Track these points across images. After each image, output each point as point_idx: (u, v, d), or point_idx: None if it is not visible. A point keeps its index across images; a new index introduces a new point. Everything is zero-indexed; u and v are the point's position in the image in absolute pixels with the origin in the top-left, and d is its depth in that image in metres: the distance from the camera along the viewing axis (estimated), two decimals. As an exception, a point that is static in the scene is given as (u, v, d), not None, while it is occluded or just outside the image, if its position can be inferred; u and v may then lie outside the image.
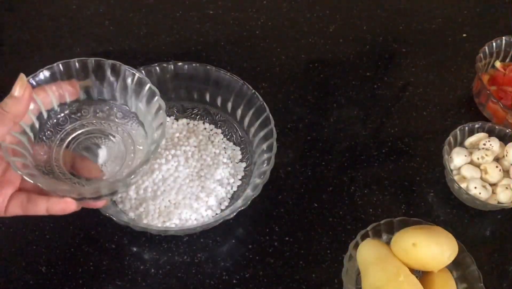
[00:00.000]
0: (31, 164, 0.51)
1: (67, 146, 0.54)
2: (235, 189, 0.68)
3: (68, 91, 0.54)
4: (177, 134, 0.71)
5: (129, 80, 0.55)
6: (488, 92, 0.75)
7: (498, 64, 0.82)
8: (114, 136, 0.56)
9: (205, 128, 0.73)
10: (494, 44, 0.80)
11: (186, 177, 0.67)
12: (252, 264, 0.64)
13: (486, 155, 0.70)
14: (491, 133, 0.73)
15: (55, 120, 0.55)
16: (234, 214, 0.61)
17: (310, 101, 0.80)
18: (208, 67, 0.70)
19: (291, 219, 0.68)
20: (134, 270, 0.63)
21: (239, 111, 0.71)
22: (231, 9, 0.90)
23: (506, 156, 0.71)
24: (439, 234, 0.59)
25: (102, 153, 0.56)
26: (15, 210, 0.51)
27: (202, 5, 0.90)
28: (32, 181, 0.48)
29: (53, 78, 0.54)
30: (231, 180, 0.69)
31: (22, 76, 0.49)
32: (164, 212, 0.65)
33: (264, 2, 0.91)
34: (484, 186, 0.68)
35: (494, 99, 0.75)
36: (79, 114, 0.56)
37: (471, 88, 0.82)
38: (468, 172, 0.69)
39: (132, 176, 0.51)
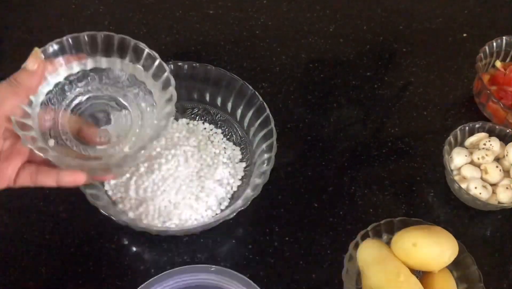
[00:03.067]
0: (37, 134, 0.51)
1: (72, 111, 0.54)
2: (235, 189, 0.68)
3: (76, 64, 0.54)
4: (177, 134, 0.71)
5: (138, 55, 0.55)
6: (488, 92, 0.75)
7: (498, 64, 0.82)
8: (121, 105, 0.56)
9: (205, 128, 0.73)
10: (494, 44, 0.80)
11: (186, 177, 0.67)
12: (252, 264, 0.64)
13: (487, 155, 0.70)
14: (491, 133, 0.73)
15: (60, 87, 0.55)
16: (234, 214, 0.60)
17: (310, 101, 0.80)
18: (208, 67, 0.70)
19: (291, 219, 0.68)
20: (134, 270, 0.63)
21: (239, 111, 0.71)
22: (231, 9, 0.90)
23: (507, 156, 0.71)
24: (440, 234, 0.59)
25: (108, 119, 0.56)
26: (25, 181, 0.51)
27: (202, 5, 0.90)
28: (43, 155, 0.48)
29: (62, 52, 0.54)
30: (231, 180, 0.68)
31: (36, 50, 0.50)
32: (164, 212, 0.65)
33: (264, 2, 0.91)
34: (484, 186, 0.68)
35: (495, 99, 0.75)
36: (85, 81, 0.55)
37: (472, 88, 0.82)
38: (469, 172, 0.69)
39: (142, 151, 0.51)
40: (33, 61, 0.49)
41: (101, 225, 0.65)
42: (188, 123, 0.73)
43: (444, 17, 0.92)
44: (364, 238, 0.62)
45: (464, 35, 0.90)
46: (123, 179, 0.66)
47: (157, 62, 0.55)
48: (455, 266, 0.61)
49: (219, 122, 0.73)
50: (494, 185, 0.69)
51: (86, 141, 0.54)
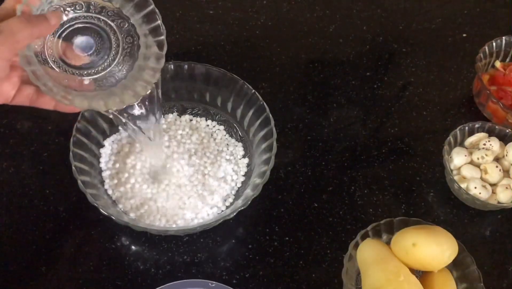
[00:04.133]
0: (36, 66, 0.52)
1: (59, 37, 0.56)
2: (239, 185, 0.68)
3: None
4: (180, 132, 0.71)
5: None
6: (488, 92, 0.75)
7: (498, 64, 0.82)
8: (106, 33, 0.58)
9: (207, 125, 0.73)
10: (494, 44, 0.80)
11: (190, 174, 0.67)
12: (252, 264, 0.64)
13: (486, 155, 0.70)
14: (491, 133, 0.73)
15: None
16: (234, 214, 0.61)
17: (310, 101, 0.80)
18: (208, 67, 0.70)
19: (291, 219, 0.68)
20: (134, 270, 0.63)
21: (239, 111, 0.71)
22: (231, 9, 0.90)
23: (506, 155, 0.71)
24: (439, 234, 0.59)
25: (92, 46, 0.57)
26: (23, 100, 0.53)
27: (202, 5, 0.90)
28: (46, 93, 0.51)
29: None
30: (235, 176, 0.69)
31: (61, 13, 0.54)
32: (167, 211, 0.65)
33: (264, 2, 0.91)
34: (484, 186, 0.68)
35: (494, 99, 0.75)
36: (73, 7, 0.57)
37: (471, 88, 0.82)
38: (468, 171, 0.69)
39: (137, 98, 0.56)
40: (56, 19, 0.52)
41: (101, 225, 0.65)
42: (191, 120, 0.73)
43: (444, 17, 0.92)
44: (364, 237, 0.62)
45: (464, 35, 0.90)
46: (123, 179, 0.66)
47: (150, 8, 0.58)
48: (455, 266, 0.62)
49: (219, 122, 0.73)
50: (493, 185, 0.69)
51: (70, 63, 0.56)
